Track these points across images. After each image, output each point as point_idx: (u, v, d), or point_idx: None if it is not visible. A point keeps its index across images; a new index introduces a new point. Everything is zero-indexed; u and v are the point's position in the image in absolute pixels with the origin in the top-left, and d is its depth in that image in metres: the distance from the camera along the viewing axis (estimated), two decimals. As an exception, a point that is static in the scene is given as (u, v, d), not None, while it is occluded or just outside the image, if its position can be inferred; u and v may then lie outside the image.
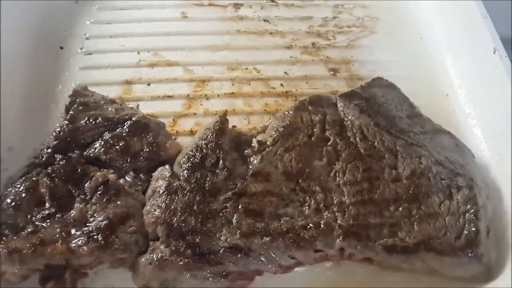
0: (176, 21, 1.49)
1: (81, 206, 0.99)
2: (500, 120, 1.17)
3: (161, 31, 1.46)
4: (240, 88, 1.35)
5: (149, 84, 1.34)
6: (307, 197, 1.02)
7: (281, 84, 1.36)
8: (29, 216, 0.98)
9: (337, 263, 1.05)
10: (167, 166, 1.05)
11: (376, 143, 1.08)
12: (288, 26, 1.51)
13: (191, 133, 1.24)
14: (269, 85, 1.36)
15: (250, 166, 1.05)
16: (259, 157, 1.05)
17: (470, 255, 0.98)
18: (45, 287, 0.94)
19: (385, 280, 1.05)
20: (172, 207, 0.98)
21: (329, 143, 1.08)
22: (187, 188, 1.00)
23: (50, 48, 1.39)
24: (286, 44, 1.46)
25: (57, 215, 0.98)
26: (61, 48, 1.40)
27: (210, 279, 0.95)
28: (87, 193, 1.01)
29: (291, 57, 1.43)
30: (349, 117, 1.12)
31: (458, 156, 1.12)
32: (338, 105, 1.14)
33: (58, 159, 1.05)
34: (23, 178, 1.03)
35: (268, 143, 1.08)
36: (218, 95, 1.33)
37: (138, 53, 1.41)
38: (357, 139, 1.09)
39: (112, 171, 1.05)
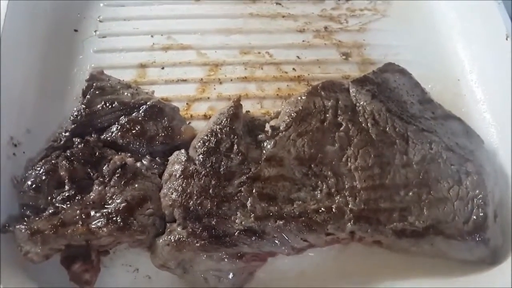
0: (189, 4, 1.50)
1: (99, 188, 1.03)
2: (510, 106, 1.17)
3: (174, 14, 1.47)
4: (252, 72, 1.36)
5: (163, 68, 1.36)
6: (319, 182, 1.04)
7: (294, 69, 1.37)
8: (49, 198, 1.02)
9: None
10: (183, 151, 1.08)
11: (387, 129, 1.10)
12: (301, 9, 1.51)
13: (205, 117, 1.26)
14: (282, 69, 1.37)
15: (264, 151, 1.07)
16: (272, 142, 1.07)
17: (477, 239, 1.01)
18: (72, 268, 0.97)
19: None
20: (188, 191, 1.01)
21: (341, 128, 1.10)
22: (203, 172, 1.03)
23: (65, 31, 1.40)
24: (299, 28, 1.46)
25: (77, 197, 1.02)
26: (75, 30, 1.41)
27: (226, 260, 0.99)
28: (106, 176, 1.04)
29: (303, 41, 1.43)
30: (361, 103, 1.13)
31: (468, 142, 1.14)
32: (350, 91, 1.15)
33: (76, 143, 1.08)
34: (43, 161, 1.06)
35: (281, 128, 1.10)
36: (231, 79, 1.35)
37: (152, 36, 1.42)
38: (368, 124, 1.10)
39: (129, 154, 1.08)
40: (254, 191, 1.02)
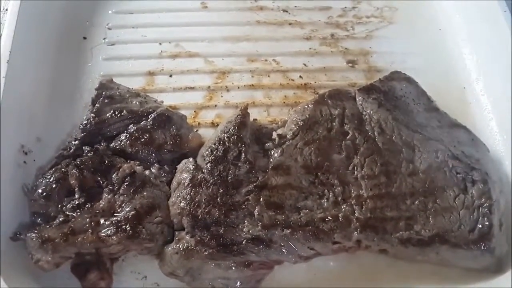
0: (196, 11, 1.51)
1: (109, 196, 1.04)
2: (515, 114, 1.18)
3: (181, 21, 1.48)
4: (259, 80, 1.37)
5: (171, 76, 1.37)
6: (326, 190, 1.05)
7: (300, 76, 1.38)
8: (59, 206, 1.04)
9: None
10: (191, 159, 1.09)
11: (394, 137, 1.10)
12: (307, 16, 1.51)
13: (213, 124, 1.27)
14: (288, 77, 1.38)
15: (271, 159, 1.08)
16: (279, 151, 1.08)
17: (483, 248, 1.02)
18: (88, 277, 0.99)
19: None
20: (196, 199, 1.02)
21: (348, 137, 1.10)
22: (211, 180, 1.04)
23: (74, 38, 1.41)
24: (305, 35, 1.47)
25: (87, 205, 1.03)
26: (85, 38, 1.42)
27: (233, 268, 1.00)
28: (115, 184, 1.05)
29: (310, 48, 1.44)
30: (368, 111, 1.13)
31: (474, 150, 1.14)
32: (357, 99, 1.16)
33: (86, 151, 1.09)
34: (53, 169, 1.08)
35: (288, 136, 1.10)
36: (238, 87, 1.35)
37: (160, 44, 1.43)
38: (375, 133, 1.11)
39: (138, 162, 1.09)
40: (261, 199, 1.02)
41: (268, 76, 1.38)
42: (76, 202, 1.03)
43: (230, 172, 1.05)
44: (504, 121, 1.23)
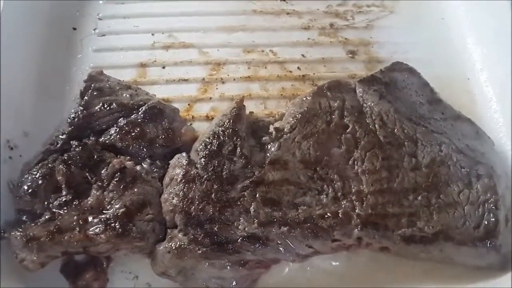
0: (190, 0, 1.46)
1: (98, 193, 1.00)
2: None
3: (175, 11, 1.44)
4: (256, 71, 1.33)
5: (164, 67, 1.33)
6: (325, 186, 1.01)
7: (298, 67, 1.34)
8: (46, 203, 1.00)
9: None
10: (184, 154, 1.05)
11: (395, 130, 1.07)
12: (306, 5, 1.47)
13: (207, 118, 1.24)
14: (286, 68, 1.34)
15: (268, 154, 1.04)
16: (276, 145, 1.05)
17: (488, 245, 0.99)
18: (83, 277, 0.97)
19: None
20: (190, 196, 0.98)
21: (348, 130, 1.07)
22: (205, 176, 1.00)
23: (63, 29, 1.37)
24: (304, 25, 1.43)
25: (74, 202, 0.99)
26: (74, 29, 1.38)
27: (228, 267, 0.97)
28: (104, 180, 1.01)
29: (308, 38, 1.40)
30: (368, 103, 1.10)
31: (479, 143, 1.11)
32: (357, 91, 1.12)
33: (73, 146, 1.05)
34: (39, 165, 1.04)
35: (285, 130, 1.07)
36: (234, 79, 1.31)
37: (153, 34, 1.39)
38: (376, 126, 1.07)
39: (128, 157, 1.05)
40: (257, 195, 0.99)
41: (265, 67, 1.34)
42: (63, 199, 0.99)
43: (225, 167, 1.02)
44: (509, 113, 1.20)
